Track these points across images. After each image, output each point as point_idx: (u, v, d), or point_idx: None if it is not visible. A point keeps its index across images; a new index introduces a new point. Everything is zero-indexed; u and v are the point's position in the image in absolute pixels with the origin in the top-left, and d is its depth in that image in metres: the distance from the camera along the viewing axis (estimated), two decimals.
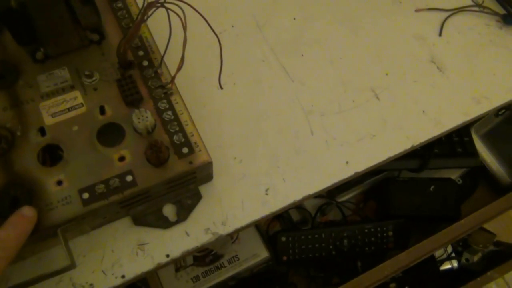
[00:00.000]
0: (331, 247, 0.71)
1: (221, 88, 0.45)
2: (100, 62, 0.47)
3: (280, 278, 0.74)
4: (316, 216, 0.76)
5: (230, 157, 0.51)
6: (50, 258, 0.44)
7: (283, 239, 0.69)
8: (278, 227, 0.78)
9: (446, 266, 0.83)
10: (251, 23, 0.59)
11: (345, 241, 0.71)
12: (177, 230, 0.47)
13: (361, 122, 0.54)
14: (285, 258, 0.69)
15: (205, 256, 0.70)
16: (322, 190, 0.51)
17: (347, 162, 0.52)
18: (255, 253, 0.69)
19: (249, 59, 0.57)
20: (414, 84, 0.57)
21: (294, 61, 0.57)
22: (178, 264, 0.71)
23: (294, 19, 0.60)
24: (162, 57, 0.46)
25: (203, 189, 0.49)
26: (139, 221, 0.46)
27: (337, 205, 0.77)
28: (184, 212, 0.47)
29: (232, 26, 0.59)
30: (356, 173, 0.52)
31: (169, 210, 0.47)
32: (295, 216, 0.78)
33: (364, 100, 0.56)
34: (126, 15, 0.50)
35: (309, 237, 0.70)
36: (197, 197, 0.48)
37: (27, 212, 0.38)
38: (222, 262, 0.69)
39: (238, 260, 0.69)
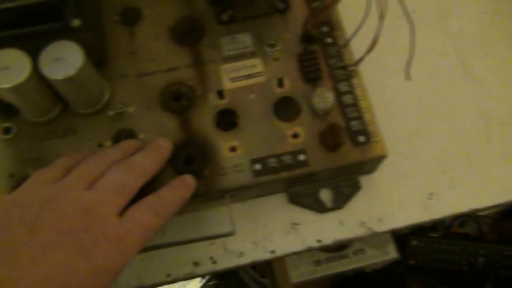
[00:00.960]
0: (463, 262, 0.66)
1: (407, 79, 0.41)
2: (282, 33, 0.46)
3: (399, 281, 0.70)
4: (451, 226, 0.71)
5: (395, 152, 0.48)
6: (206, 219, 0.45)
7: (415, 242, 0.65)
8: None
9: None
10: (434, 11, 0.55)
11: (481, 259, 0.66)
12: (331, 217, 0.45)
13: None
14: (411, 262, 0.66)
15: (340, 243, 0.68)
16: (494, 206, 0.46)
17: None
18: (384, 251, 0.66)
19: (427, 50, 0.53)
20: None
21: (477, 60, 0.52)
22: None
23: (484, 12, 0.54)
24: (351, 36, 0.44)
25: (363, 180, 0.46)
26: (295, 201, 0.45)
27: (476, 219, 0.71)
28: (340, 200, 0.45)
29: (414, 11, 0.54)
30: None
31: (326, 195, 0.46)
32: (437, 220, 0.73)
33: None
34: None
35: (443, 246, 0.65)
36: (356, 187, 0.46)
37: (190, 181, 0.38)
38: (347, 253, 0.67)
39: (364, 254, 0.67)
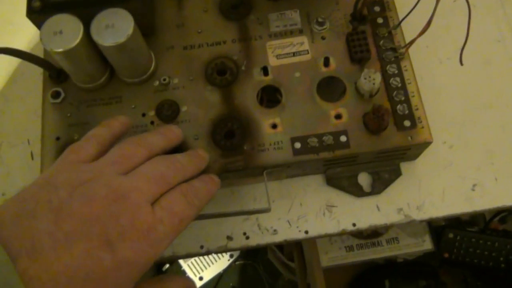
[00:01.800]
0: (501, 259, 0.64)
1: (462, 64, 0.40)
2: (332, 11, 0.45)
3: (431, 273, 0.69)
4: (491, 222, 0.68)
5: (440, 140, 0.46)
6: (242, 194, 0.45)
7: (451, 235, 0.64)
8: (441, 220, 0.73)
9: None
10: None
11: None
12: (368, 202, 0.45)
13: None
14: (446, 255, 0.64)
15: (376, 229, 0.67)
16: None
17: None
18: (418, 241, 0.65)
19: (483, 36, 0.50)
20: None
21: None
22: None
23: None
24: (404, 17, 0.42)
25: (404, 166, 0.45)
26: (332, 182, 0.45)
27: None
28: (379, 185, 0.45)
29: None
30: None
31: (364, 179, 0.45)
32: (479, 212, 0.71)
33: None
34: None
35: (480, 241, 0.63)
36: (397, 173, 0.45)
37: (216, 178, 0.37)
38: (380, 240, 0.66)
39: (398, 243, 0.66)
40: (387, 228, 0.44)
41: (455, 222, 0.72)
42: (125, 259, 0.28)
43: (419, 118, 0.40)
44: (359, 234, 0.67)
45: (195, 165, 0.36)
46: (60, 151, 0.41)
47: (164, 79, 0.43)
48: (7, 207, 0.30)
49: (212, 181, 0.36)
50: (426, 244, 0.65)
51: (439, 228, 0.66)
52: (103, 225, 0.28)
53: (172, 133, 0.37)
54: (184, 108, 0.42)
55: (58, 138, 0.42)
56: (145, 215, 0.29)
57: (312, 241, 0.67)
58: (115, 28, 0.37)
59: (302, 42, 0.44)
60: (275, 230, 0.44)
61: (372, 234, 0.67)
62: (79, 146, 0.34)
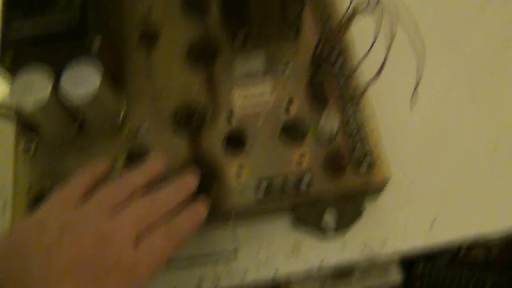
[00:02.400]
0: None
1: (413, 104, 0.42)
2: (293, 56, 0.47)
3: None
4: (460, 251, 0.70)
5: (401, 176, 0.48)
6: (211, 238, 0.46)
7: (420, 268, 0.65)
8: None
9: None
10: (447, 36, 0.55)
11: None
12: (334, 239, 0.46)
13: None
14: (418, 284, 0.66)
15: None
16: (499, 232, 0.46)
17: None
18: (389, 275, 0.66)
19: (438, 75, 0.53)
20: None
21: (488, 86, 0.52)
22: None
23: (495, 39, 0.55)
24: (360, 62, 0.45)
25: (368, 203, 0.47)
26: (299, 222, 0.46)
27: (485, 243, 0.71)
28: (344, 223, 0.46)
29: (425, 36, 0.55)
30: None
31: (330, 217, 0.46)
32: (440, 245, 0.73)
33: None
34: (327, 12, 0.49)
35: (449, 273, 0.65)
36: (361, 210, 0.46)
37: (201, 210, 0.37)
38: (353, 274, 0.67)
39: (369, 277, 0.67)
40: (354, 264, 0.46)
41: (426, 254, 0.73)
42: None
43: (377, 157, 0.42)
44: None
45: (179, 196, 0.37)
46: (32, 201, 0.42)
47: (134, 126, 0.44)
48: None
49: (196, 213, 0.37)
50: (397, 278, 0.66)
51: (409, 261, 0.68)
52: (91, 264, 0.31)
53: (154, 168, 0.38)
54: (153, 154, 0.43)
55: (30, 191, 0.43)
56: (128, 255, 0.32)
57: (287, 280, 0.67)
58: (83, 81, 0.38)
59: (266, 86, 0.46)
60: (245, 272, 0.45)
61: (346, 268, 0.68)
62: (66, 188, 0.35)
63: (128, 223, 0.33)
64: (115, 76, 0.45)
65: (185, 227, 0.36)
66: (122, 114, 0.44)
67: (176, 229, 0.35)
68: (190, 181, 0.38)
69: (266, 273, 0.45)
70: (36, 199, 0.42)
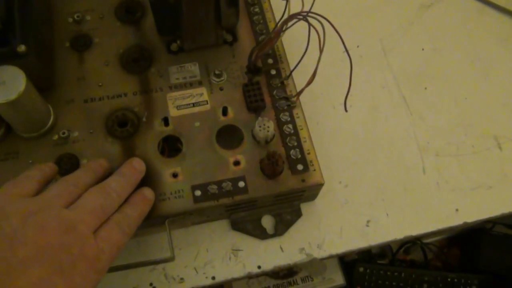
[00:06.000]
0: None
1: (346, 110, 0.44)
2: (229, 64, 0.48)
3: None
4: (398, 253, 0.73)
5: (336, 180, 0.49)
6: (148, 244, 0.45)
7: (361, 269, 0.67)
8: (354, 255, 0.76)
9: None
10: (377, 47, 0.58)
11: (425, 285, 0.67)
12: (272, 243, 0.46)
13: (478, 170, 0.51)
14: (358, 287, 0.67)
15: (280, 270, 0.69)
16: (426, 234, 0.48)
17: (457, 210, 0.49)
18: (331, 277, 0.67)
19: (369, 83, 0.55)
20: None
21: (416, 93, 0.55)
22: None
23: (423, 49, 0.58)
24: (293, 69, 0.46)
25: (304, 207, 0.48)
26: (237, 227, 0.46)
27: (422, 246, 0.74)
28: (282, 227, 0.47)
29: (358, 46, 0.57)
30: (465, 223, 0.49)
31: (267, 222, 0.47)
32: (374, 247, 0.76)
33: (485, 148, 0.52)
34: (261, 21, 0.50)
35: (388, 273, 0.67)
36: (297, 214, 0.47)
37: (148, 194, 0.40)
38: (296, 279, 0.68)
39: (311, 280, 0.68)
40: (295, 267, 0.46)
41: (367, 256, 0.76)
42: (76, 285, 0.31)
43: (311, 161, 0.43)
44: (275, 274, 0.69)
45: (130, 186, 0.39)
46: None
47: (64, 133, 0.43)
48: None
49: (144, 201, 0.39)
50: (339, 280, 0.67)
51: (350, 263, 0.69)
52: (56, 253, 0.30)
53: (100, 168, 0.40)
54: (84, 161, 0.42)
55: None
56: (90, 245, 0.32)
57: (228, 285, 0.67)
58: (7, 85, 0.37)
59: (201, 93, 0.46)
60: (181, 279, 0.45)
61: (288, 274, 0.69)
62: (16, 182, 0.35)
63: (87, 214, 0.33)
64: (44, 80, 0.43)
65: (136, 219, 0.37)
66: (51, 119, 0.43)
67: (129, 222, 0.36)
68: (137, 166, 0.40)
69: (203, 280, 0.45)
70: None
